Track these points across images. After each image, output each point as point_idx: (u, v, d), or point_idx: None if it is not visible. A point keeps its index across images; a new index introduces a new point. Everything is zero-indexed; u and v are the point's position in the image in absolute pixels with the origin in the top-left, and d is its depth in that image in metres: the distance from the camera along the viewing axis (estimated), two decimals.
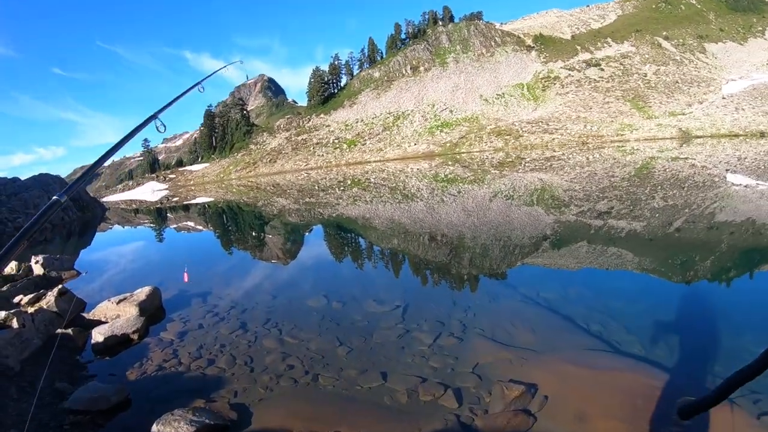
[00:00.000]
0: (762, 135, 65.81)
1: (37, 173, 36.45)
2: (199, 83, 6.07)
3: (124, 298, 7.60)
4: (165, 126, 4.11)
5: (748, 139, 58.80)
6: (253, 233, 19.40)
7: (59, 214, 30.36)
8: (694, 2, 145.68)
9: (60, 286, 8.60)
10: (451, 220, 16.35)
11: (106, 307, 7.55)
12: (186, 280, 9.76)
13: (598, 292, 7.74)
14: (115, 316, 7.32)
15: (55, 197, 2.72)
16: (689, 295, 7.82)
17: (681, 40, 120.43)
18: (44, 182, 33.52)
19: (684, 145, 52.88)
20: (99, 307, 7.67)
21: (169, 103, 4.73)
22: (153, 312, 7.76)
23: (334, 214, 21.64)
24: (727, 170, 26.49)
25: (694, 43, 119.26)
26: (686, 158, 35.28)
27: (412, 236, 14.12)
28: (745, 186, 19.79)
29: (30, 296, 8.45)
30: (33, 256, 12.48)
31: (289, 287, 8.48)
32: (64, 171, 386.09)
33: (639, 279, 8.69)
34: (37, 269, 11.81)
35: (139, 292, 7.88)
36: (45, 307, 7.72)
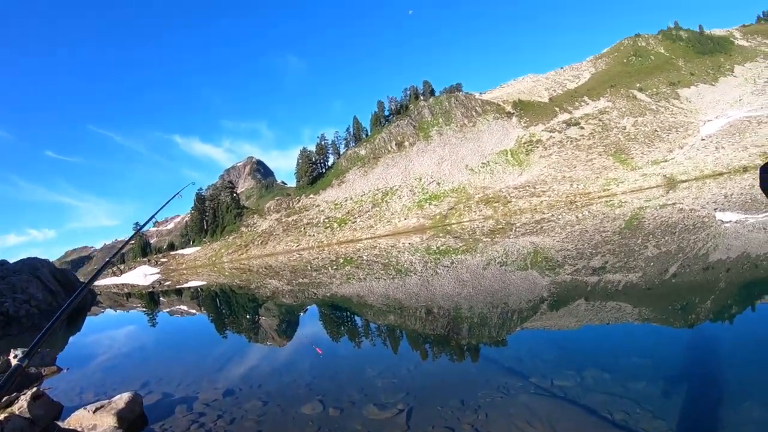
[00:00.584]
0: (745, 170, 66.96)
1: (27, 255, 36.06)
2: (176, 194, 6.12)
3: (102, 406, 6.98)
4: (121, 270, 3.95)
5: (732, 176, 59.79)
6: (247, 316, 18.94)
7: (48, 300, 29.91)
8: (663, 51, 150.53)
9: (35, 389, 8.06)
10: (447, 291, 16.02)
11: (82, 415, 6.93)
12: (320, 351, 9.34)
13: (607, 360, 7.31)
14: (91, 426, 6.73)
15: (16, 363, 2.55)
16: (696, 341, 7.65)
17: (655, 90, 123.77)
18: (32, 266, 32.99)
19: (670, 191, 53.46)
20: (75, 416, 7.02)
21: (150, 218, 4.58)
22: (133, 420, 7.10)
23: (328, 294, 21.23)
24: (715, 209, 27.14)
25: (667, 90, 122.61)
26: (674, 204, 35.68)
27: (408, 312, 13.73)
28: (735, 222, 20.29)
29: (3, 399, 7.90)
30: (12, 350, 11.94)
31: (282, 389, 7.88)
32: (55, 253, 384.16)
33: (643, 333, 8.42)
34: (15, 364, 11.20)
35: (118, 399, 7.23)
36: (17, 412, 7.15)
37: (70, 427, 6.91)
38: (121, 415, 6.89)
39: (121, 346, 15.67)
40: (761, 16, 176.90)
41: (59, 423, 7.20)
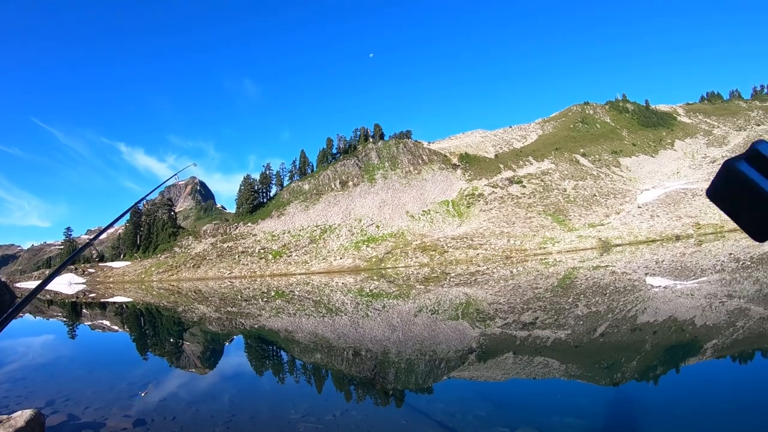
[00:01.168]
0: (677, 238, 69.55)
1: None
2: (174, 175, 5.88)
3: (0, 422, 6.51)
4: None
5: (664, 243, 61.98)
6: (170, 340, 18.32)
7: None
8: (609, 121, 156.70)
9: None
10: (376, 335, 15.85)
11: None
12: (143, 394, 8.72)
13: (538, 418, 7.25)
14: None
15: None
16: (622, 400, 7.74)
17: (597, 156, 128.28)
18: None
19: (604, 254, 54.92)
20: None
21: (106, 228, 4.28)
22: None
23: (255, 325, 20.82)
24: (646, 274, 27.93)
25: (609, 158, 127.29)
26: (607, 266, 36.55)
27: (335, 352, 13.48)
28: (664, 287, 20.83)
29: None
30: None
31: (197, 424, 7.41)
32: None
33: (571, 390, 8.49)
34: None
35: (18, 416, 6.62)
36: None
37: None
38: None
39: (34, 356, 14.94)
40: (705, 96, 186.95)
41: None
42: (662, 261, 35.65)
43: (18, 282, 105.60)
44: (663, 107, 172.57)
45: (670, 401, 7.31)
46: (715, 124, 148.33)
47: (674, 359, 9.78)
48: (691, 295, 17.47)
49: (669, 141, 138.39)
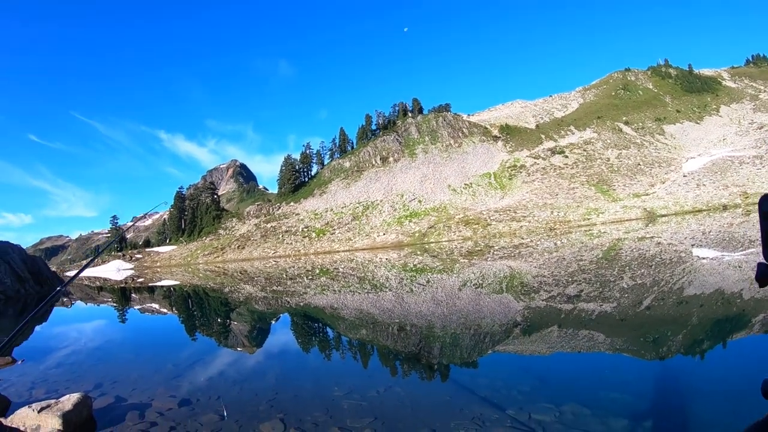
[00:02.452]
0: (725, 208, 67.94)
1: (1, 239, 35.44)
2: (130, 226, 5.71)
3: (48, 406, 6.51)
4: (71, 301, 3.79)
5: (711, 213, 60.49)
6: (218, 320, 18.54)
7: (15, 287, 29.27)
8: (651, 87, 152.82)
9: None
10: (421, 310, 15.76)
11: (26, 414, 6.45)
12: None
13: (584, 393, 7.05)
14: (35, 426, 6.27)
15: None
16: (669, 375, 7.52)
17: (640, 124, 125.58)
18: (3, 250, 32.30)
19: (649, 225, 53.94)
20: (18, 413, 6.51)
21: (110, 243, 4.20)
22: (80, 424, 6.58)
23: (301, 303, 20.93)
24: (692, 245, 27.38)
25: (653, 125, 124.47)
26: (652, 237, 35.91)
27: (380, 328, 13.43)
28: (712, 259, 20.24)
29: None
30: None
31: (241, 403, 7.43)
32: (29, 240, 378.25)
33: (617, 364, 8.28)
34: None
35: (66, 399, 6.73)
36: None
37: (13, 425, 6.45)
38: (67, 418, 6.43)
39: (85, 342, 15.22)
40: (750, 59, 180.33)
41: (2, 419, 6.74)
42: (709, 232, 34.78)
43: (68, 271, 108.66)
44: (707, 71, 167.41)
45: (717, 377, 7.12)
46: (762, 88, 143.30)
47: (721, 334, 9.50)
48: (739, 267, 16.94)
49: (714, 106, 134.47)
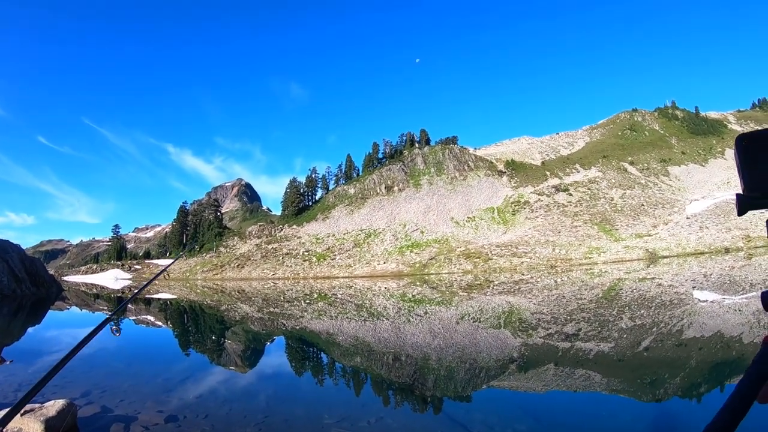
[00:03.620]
0: (727, 251, 67.81)
1: (0, 237, 35.60)
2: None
3: (32, 410, 6.41)
4: (119, 330, 3.65)
5: (713, 256, 60.44)
6: (212, 337, 18.41)
7: (12, 286, 29.19)
8: (658, 128, 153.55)
9: None
10: (417, 340, 15.64)
11: None
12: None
13: (566, 423, 6.92)
14: (16, 429, 6.13)
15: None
16: (665, 418, 7.52)
17: (645, 165, 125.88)
18: (2, 248, 32.25)
19: (651, 266, 53.88)
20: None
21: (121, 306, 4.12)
22: (63, 431, 6.57)
23: (297, 327, 20.80)
24: (693, 287, 27.34)
25: (657, 166, 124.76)
26: (653, 278, 35.81)
27: (375, 356, 13.31)
28: (712, 302, 20.24)
29: None
30: None
31: (229, 424, 7.25)
32: (30, 241, 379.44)
33: (613, 405, 8.18)
34: None
35: (51, 405, 6.62)
36: None
37: None
38: (49, 424, 6.28)
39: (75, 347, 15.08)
40: (756, 102, 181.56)
41: None
42: (710, 274, 34.75)
43: (66, 276, 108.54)
44: (713, 114, 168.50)
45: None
46: None
47: (720, 377, 9.45)
48: (740, 310, 16.87)
49: (719, 149, 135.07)
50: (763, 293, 0.95)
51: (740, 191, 1.07)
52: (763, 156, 1.02)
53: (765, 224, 0.97)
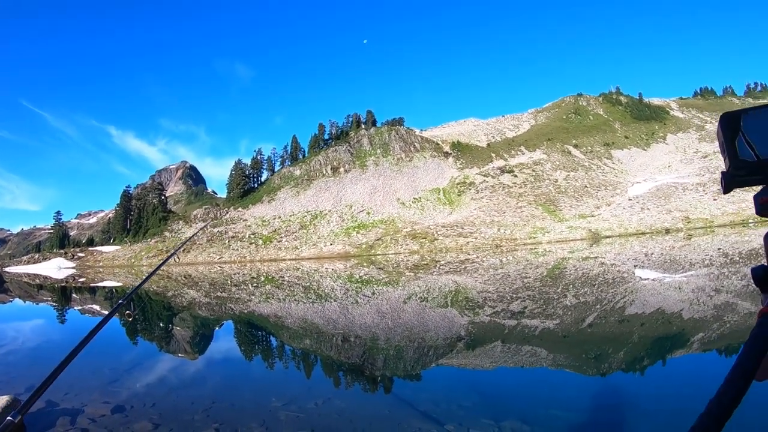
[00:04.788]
0: (667, 231, 70.15)
1: None
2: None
3: None
4: (133, 315, 3.56)
5: (654, 236, 62.44)
6: (160, 324, 18.19)
7: None
8: (602, 113, 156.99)
9: None
10: (365, 321, 15.76)
11: None
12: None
13: (524, 409, 7.13)
14: None
15: (8, 419, 2.13)
16: (609, 392, 7.70)
17: (589, 148, 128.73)
18: None
19: (594, 245, 55.26)
20: None
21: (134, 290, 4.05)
22: (9, 428, 6.43)
23: (245, 311, 20.67)
24: (635, 266, 28.09)
25: (601, 150, 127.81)
26: (596, 257, 36.74)
27: (323, 338, 13.38)
28: (653, 279, 20.88)
29: None
30: None
31: (177, 411, 7.21)
32: None
33: (558, 380, 8.42)
34: None
35: None
36: None
37: None
38: None
39: (22, 341, 14.77)
40: (698, 91, 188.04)
41: None
42: (651, 254, 35.75)
43: (7, 266, 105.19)
44: (656, 101, 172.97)
45: (655, 394, 7.26)
46: (708, 119, 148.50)
47: (661, 352, 9.77)
48: (679, 288, 17.45)
49: (661, 134, 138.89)
50: (752, 269, 1.01)
51: (724, 170, 1.13)
52: (745, 135, 1.06)
53: (753, 200, 1.03)
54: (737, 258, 26.95)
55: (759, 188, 1.04)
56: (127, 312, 4.48)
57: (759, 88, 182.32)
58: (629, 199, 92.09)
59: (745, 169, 1.06)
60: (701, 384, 7.66)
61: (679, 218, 76.73)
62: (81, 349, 2.61)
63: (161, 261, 5.78)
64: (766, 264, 0.97)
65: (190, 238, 9.14)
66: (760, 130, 1.04)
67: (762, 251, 1.00)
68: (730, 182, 1.09)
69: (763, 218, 1.03)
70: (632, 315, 13.29)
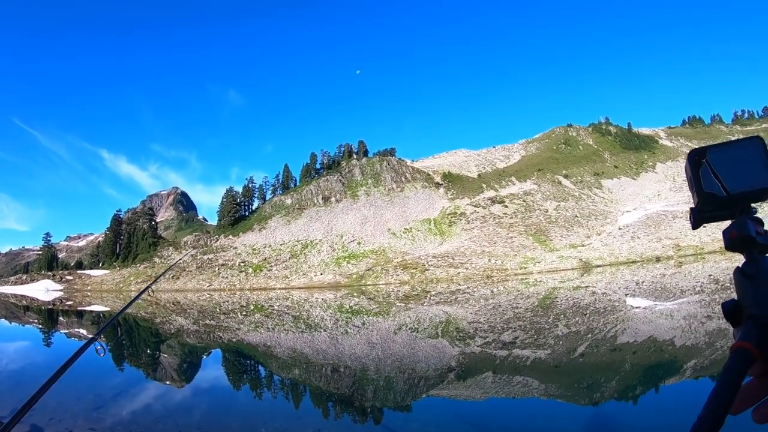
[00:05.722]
0: (658, 259, 70.21)
1: None
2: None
3: None
4: (105, 349, 3.53)
5: (645, 265, 62.48)
6: (147, 351, 17.99)
7: None
8: (592, 143, 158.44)
9: None
10: (355, 351, 15.65)
11: None
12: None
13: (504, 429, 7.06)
14: None
15: None
16: (597, 418, 7.75)
17: (579, 178, 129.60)
18: None
19: (585, 275, 55.19)
20: None
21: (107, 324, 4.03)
22: None
23: (234, 339, 20.48)
24: (626, 294, 28.11)
25: (591, 179, 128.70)
26: (587, 286, 36.72)
27: (313, 368, 13.26)
28: (644, 308, 20.90)
29: None
30: None
31: None
32: None
33: (550, 410, 8.38)
34: None
35: None
36: None
37: None
38: None
39: (5, 362, 14.55)
40: (686, 119, 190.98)
41: None
42: (642, 282, 35.84)
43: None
44: (645, 130, 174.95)
45: (649, 422, 7.21)
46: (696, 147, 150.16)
47: (654, 380, 9.74)
48: (671, 316, 17.49)
49: (651, 164, 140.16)
50: (723, 303, 1.02)
51: (693, 206, 1.14)
52: (708, 171, 1.07)
53: (722, 234, 1.04)
54: (728, 284, 26.99)
55: (728, 223, 1.07)
56: (99, 347, 4.46)
57: (746, 115, 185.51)
58: (619, 228, 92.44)
59: (713, 204, 1.08)
60: (695, 412, 7.60)
61: (669, 246, 76.95)
62: (53, 383, 2.57)
63: (141, 291, 5.72)
64: (736, 299, 0.98)
65: (163, 273, 9.08)
66: (727, 166, 1.06)
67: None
68: (698, 218, 1.12)
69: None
70: (624, 343, 13.28)
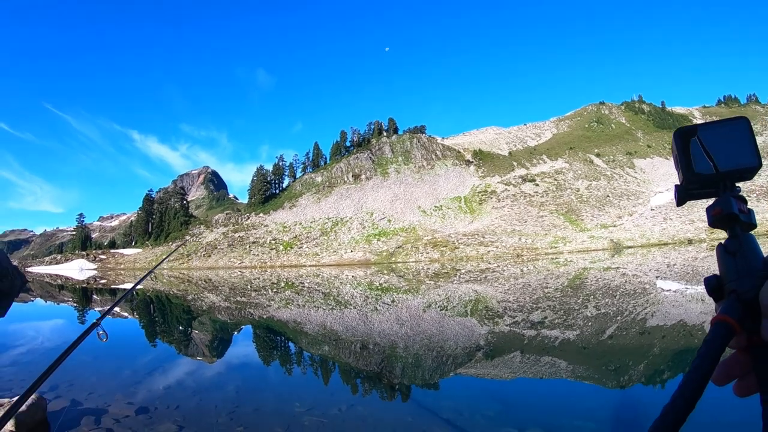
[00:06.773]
0: (690, 242, 69.23)
1: None
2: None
3: (1, 405, 6.40)
4: (107, 334, 3.59)
5: (676, 247, 61.63)
6: (179, 327, 18.31)
7: None
8: (624, 121, 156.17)
9: None
10: (384, 328, 15.73)
11: None
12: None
13: (547, 419, 7.08)
14: None
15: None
16: (625, 401, 7.66)
17: (611, 157, 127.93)
18: None
19: (615, 256, 54.69)
20: None
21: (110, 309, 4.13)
22: (33, 426, 6.39)
23: (264, 316, 20.74)
24: (657, 277, 27.68)
25: (623, 159, 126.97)
26: (618, 268, 36.36)
27: (343, 345, 13.38)
28: (675, 291, 20.54)
29: None
30: None
31: (201, 414, 7.24)
32: None
33: (579, 391, 8.35)
34: None
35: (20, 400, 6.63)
36: None
37: None
38: (20, 419, 6.22)
39: (41, 341, 14.92)
40: (722, 99, 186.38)
41: None
42: (674, 264, 35.42)
43: (30, 267, 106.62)
44: (679, 109, 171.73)
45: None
46: None
47: (683, 364, 9.61)
48: (702, 299, 17.22)
49: None
50: (705, 279, 1.05)
51: (678, 183, 1.17)
52: (698, 149, 1.10)
53: (705, 212, 1.07)
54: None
55: (711, 201, 1.10)
56: (101, 332, 4.53)
57: None
58: (651, 209, 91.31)
59: (699, 183, 1.13)
60: (725, 396, 7.56)
61: (702, 228, 75.79)
62: (49, 374, 2.65)
63: (146, 275, 5.82)
64: (718, 274, 1.01)
65: (173, 251, 9.21)
66: (717, 144, 1.09)
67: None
68: (683, 195, 1.15)
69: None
70: (653, 327, 13.11)
